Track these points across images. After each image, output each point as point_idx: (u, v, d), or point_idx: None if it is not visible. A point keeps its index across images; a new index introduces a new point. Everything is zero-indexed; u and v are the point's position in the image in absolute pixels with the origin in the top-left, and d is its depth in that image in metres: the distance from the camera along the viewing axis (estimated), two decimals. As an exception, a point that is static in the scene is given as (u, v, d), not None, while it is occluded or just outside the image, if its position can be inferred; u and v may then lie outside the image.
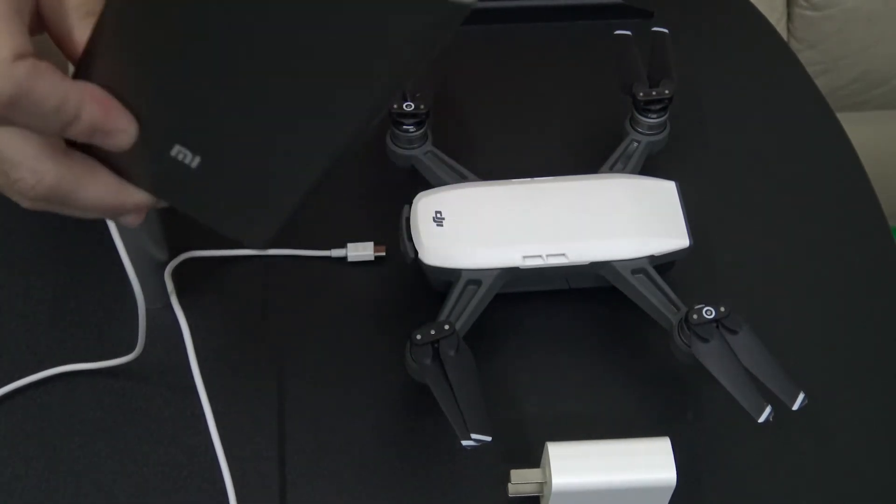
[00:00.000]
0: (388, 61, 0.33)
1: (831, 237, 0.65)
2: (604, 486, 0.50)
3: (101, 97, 0.38)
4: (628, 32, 0.65)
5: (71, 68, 0.39)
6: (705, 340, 0.53)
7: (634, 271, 0.57)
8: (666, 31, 0.65)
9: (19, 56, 0.36)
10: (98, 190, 0.39)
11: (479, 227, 0.57)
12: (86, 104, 0.37)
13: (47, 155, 0.38)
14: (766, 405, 0.51)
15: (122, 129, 0.38)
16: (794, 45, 1.22)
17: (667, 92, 0.61)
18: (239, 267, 0.62)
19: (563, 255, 0.57)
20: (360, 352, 0.59)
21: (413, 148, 0.62)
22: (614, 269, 0.57)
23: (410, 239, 0.57)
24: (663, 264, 0.58)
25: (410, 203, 0.58)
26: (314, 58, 0.33)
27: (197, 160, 0.37)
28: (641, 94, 0.62)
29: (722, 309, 0.53)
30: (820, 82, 0.73)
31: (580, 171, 0.61)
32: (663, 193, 0.59)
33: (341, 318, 0.60)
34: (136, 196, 0.40)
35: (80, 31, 0.38)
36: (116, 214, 0.40)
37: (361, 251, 0.62)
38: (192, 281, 0.60)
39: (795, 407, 0.51)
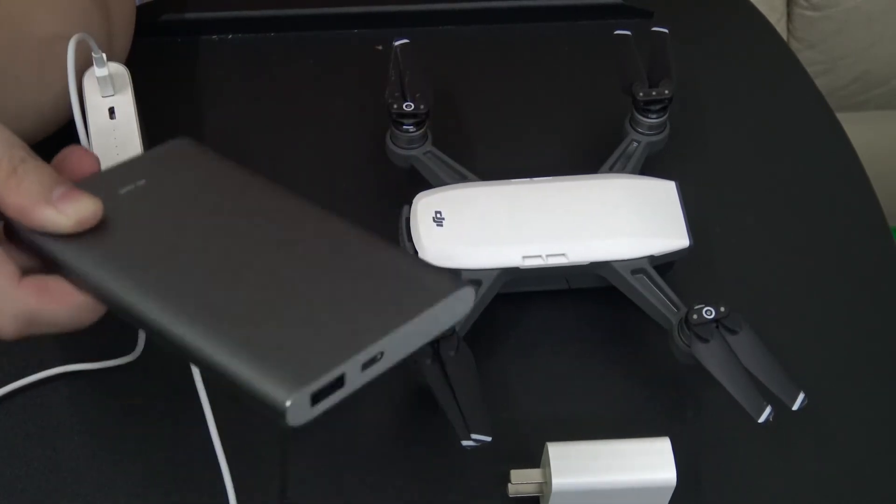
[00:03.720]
0: None
1: (831, 237, 0.65)
2: (604, 486, 0.50)
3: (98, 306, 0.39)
4: (628, 32, 0.65)
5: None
6: (705, 340, 0.53)
7: (634, 271, 0.57)
8: (666, 30, 0.65)
9: (22, 276, 0.38)
10: (69, 312, 0.39)
11: (479, 227, 0.57)
12: (97, 312, 0.39)
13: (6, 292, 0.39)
14: (766, 405, 0.51)
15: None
16: (794, 45, 1.22)
17: (667, 92, 0.61)
18: (239, 267, 0.62)
19: (563, 255, 0.57)
20: (360, 352, 0.59)
21: (413, 148, 0.62)
22: (614, 269, 0.57)
23: (410, 239, 0.57)
24: (663, 264, 0.58)
25: (410, 203, 0.58)
26: None
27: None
28: (641, 94, 0.62)
29: (722, 309, 0.53)
30: (820, 82, 0.73)
31: (580, 171, 0.61)
32: (663, 193, 0.59)
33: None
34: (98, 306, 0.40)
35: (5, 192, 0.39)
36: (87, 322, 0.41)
37: (361, 251, 0.62)
38: (192, 281, 0.60)
39: (795, 407, 0.51)
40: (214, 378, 0.35)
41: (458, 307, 0.36)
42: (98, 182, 0.42)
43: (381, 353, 0.34)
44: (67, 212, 0.39)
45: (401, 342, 0.34)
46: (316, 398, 0.32)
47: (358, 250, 0.38)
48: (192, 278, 0.38)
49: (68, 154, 0.43)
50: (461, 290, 0.35)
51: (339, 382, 0.33)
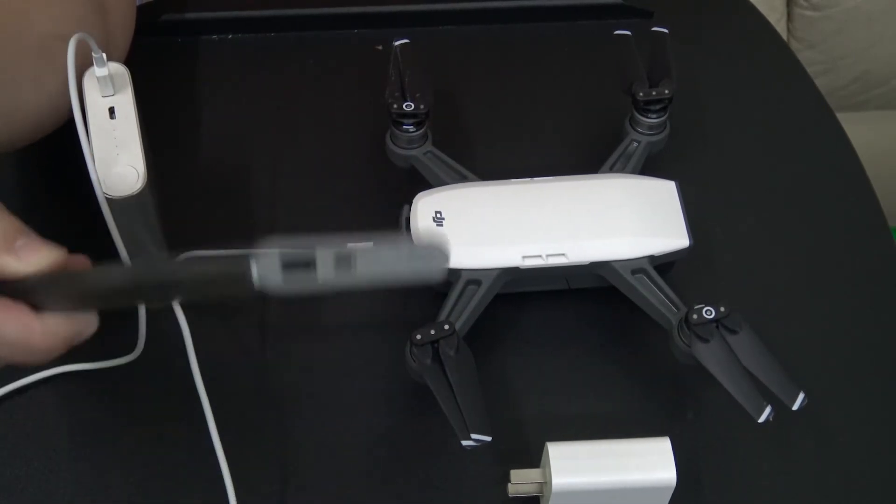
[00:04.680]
0: None
1: (831, 237, 0.65)
2: (604, 486, 0.50)
3: (58, 329, 0.41)
4: (628, 32, 0.65)
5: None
6: (705, 340, 0.53)
7: (634, 271, 0.57)
8: (666, 30, 0.65)
9: None
10: (16, 326, 0.41)
11: (479, 227, 0.57)
12: (52, 339, 0.41)
13: None
14: (766, 405, 0.51)
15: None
16: (794, 45, 1.22)
17: (667, 92, 0.61)
18: (239, 267, 0.62)
19: (563, 255, 0.57)
20: (360, 352, 0.59)
21: (413, 148, 0.62)
22: (614, 269, 0.57)
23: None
24: (663, 264, 0.58)
25: (410, 203, 0.58)
26: None
27: None
28: (641, 94, 0.62)
29: (722, 309, 0.53)
30: (820, 82, 0.73)
31: (580, 171, 0.61)
32: (663, 193, 0.59)
33: (341, 318, 0.60)
34: (58, 326, 0.42)
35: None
36: (40, 354, 0.42)
37: (361, 251, 0.62)
38: (192, 281, 0.60)
39: (795, 407, 0.51)
40: (197, 286, 0.37)
41: (433, 261, 0.37)
42: None
43: (354, 259, 0.35)
44: (29, 259, 0.41)
45: (374, 260, 0.36)
46: (288, 265, 0.34)
47: None
48: None
49: None
50: (438, 247, 0.37)
51: (310, 264, 0.35)
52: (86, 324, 0.43)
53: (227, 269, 0.35)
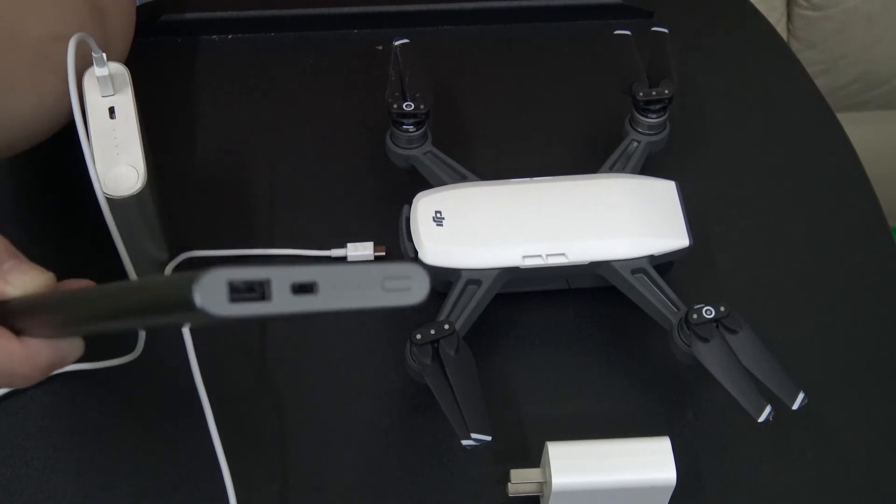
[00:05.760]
0: None
1: (831, 237, 0.65)
2: (604, 485, 0.50)
3: (39, 354, 0.40)
4: (628, 32, 0.65)
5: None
6: (705, 340, 0.53)
7: (634, 271, 0.57)
8: (666, 31, 0.65)
9: None
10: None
11: (479, 227, 0.57)
12: (33, 365, 0.40)
13: None
14: (766, 405, 0.51)
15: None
16: (794, 45, 1.22)
17: (667, 92, 0.61)
18: (239, 267, 0.62)
19: (563, 254, 0.57)
20: (360, 352, 0.59)
21: (413, 148, 0.62)
22: (614, 268, 0.57)
23: (410, 239, 0.57)
24: (663, 264, 0.58)
25: (410, 203, 0.58)
26: None
27: None
28: (641, 94, 0.62)
29: (722, 309, 0.53)
30: (820, 82, 0.73)
31: (580, 171, 0.61)
32: (663, 193, 0.59)
33: (341, 318, 0.60)
34: (41, 351, 0.40)
35: None
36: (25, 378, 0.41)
37: (361, 251, 0.62)
38: (192, 281, 0.60)
39: (795, 407, 0.51)
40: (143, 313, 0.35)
41: (410, 287, 0.34)
42: None
43: (315, 285, 0.32)
44: (16, 282, 0.40)
45: (337, 285, 0.33)
46: (235, 291, 0.31)
47: None
48: None
49: None
50: (412, 266, 0.34)
51: (263, 290, 0.31)
52: (70, 349, 0.41)
53: (168, 290, 0.32)
